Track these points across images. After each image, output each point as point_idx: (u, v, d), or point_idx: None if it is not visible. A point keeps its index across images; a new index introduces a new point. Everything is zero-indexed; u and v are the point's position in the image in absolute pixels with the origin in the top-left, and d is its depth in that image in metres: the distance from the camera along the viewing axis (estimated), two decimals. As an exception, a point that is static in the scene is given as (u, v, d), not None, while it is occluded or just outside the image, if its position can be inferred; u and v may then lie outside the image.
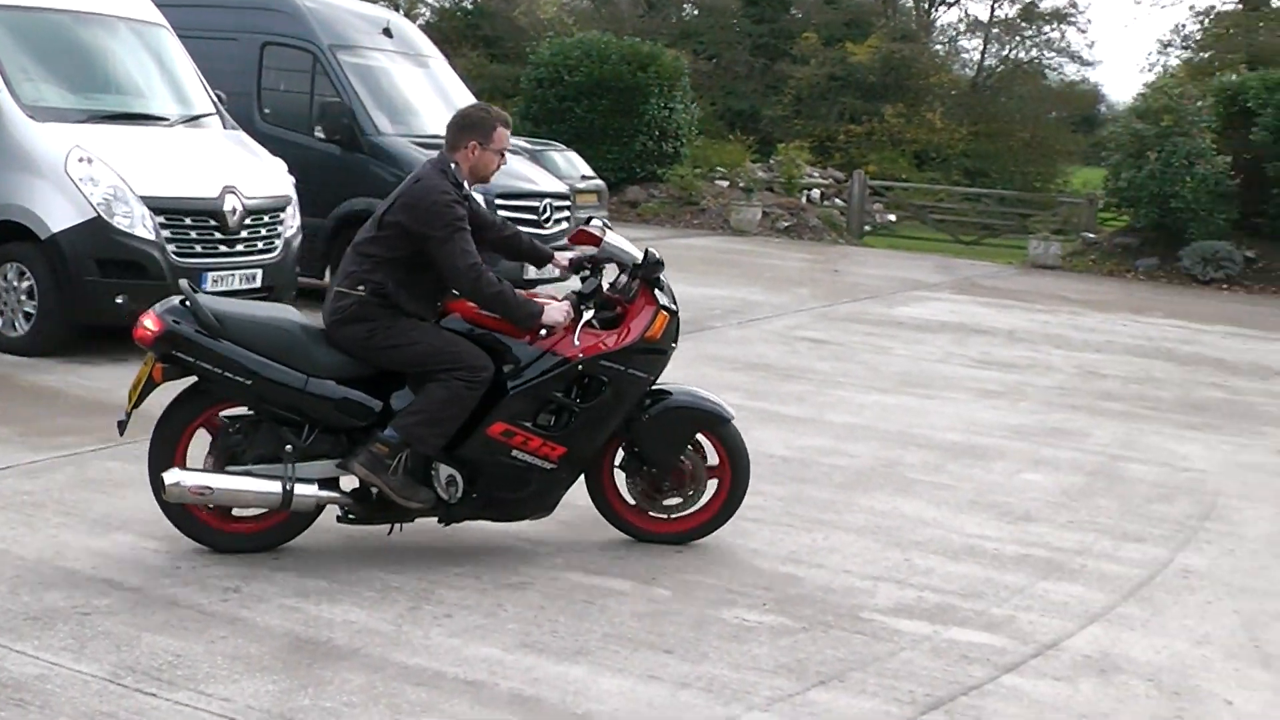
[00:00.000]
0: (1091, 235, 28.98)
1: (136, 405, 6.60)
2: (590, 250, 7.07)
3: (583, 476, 7.11)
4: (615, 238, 7.11)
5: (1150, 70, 52.18)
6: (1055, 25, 52.03)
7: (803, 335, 15.09)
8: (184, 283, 6.71)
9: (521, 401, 6.68)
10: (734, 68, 47.31)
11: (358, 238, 6.72)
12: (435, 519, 6.86)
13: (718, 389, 11.09)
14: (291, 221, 12.25)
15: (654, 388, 7.10)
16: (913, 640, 6.24)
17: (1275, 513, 9.11)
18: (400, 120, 15.10)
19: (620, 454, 7.21)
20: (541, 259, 7.29)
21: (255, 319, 6.58)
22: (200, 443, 6.71)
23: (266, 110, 14.97)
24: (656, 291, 7.04)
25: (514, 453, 6.69)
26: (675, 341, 7.13)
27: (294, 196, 12.36)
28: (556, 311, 6.70)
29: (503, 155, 6.91)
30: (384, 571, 6.61)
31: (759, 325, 15.60)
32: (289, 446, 6.51)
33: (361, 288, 6.53)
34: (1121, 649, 6.36)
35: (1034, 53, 52.73)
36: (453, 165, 6.74)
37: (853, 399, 11.71)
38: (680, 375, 11.63)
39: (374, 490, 6.59)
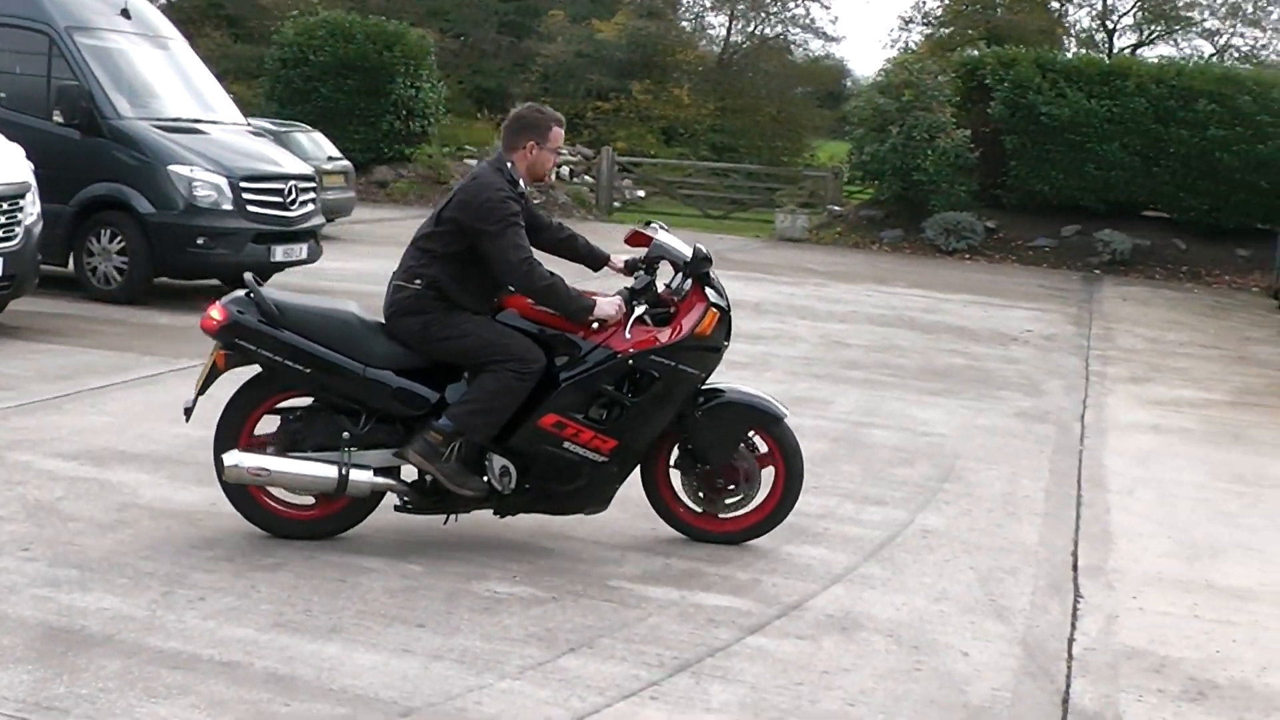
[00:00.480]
0: (837, 208, 29.69)
1: (202, 391, 6.86)
2: (643, 251, 7.24)
3: (639, 474, 7.26)
4: (667, 236, 7.28)
5: (893, 46, 53.43)
6: (799, 2, 53.06)
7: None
8: (248, 276, 6.97)
9: (573, 394, 6.82)
10: (481, 46, 47.17)
11: (417, 233, 6.94)
12: (490, 511, 7.03)
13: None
14: (31, 209, 11.94)
15: (707, 386, 7.22)
16: (660, 606, 6.43)
17: (1010, 473, 9.54)
18: (141, 103, 14.82)
19: (675, 452, 7.33)
20: (598, 261, 7.47)
21: (316, 310, 6.91)
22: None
23: (2, 94, 14.56)
24: (707, 289, 7.16)
25: (565, 444, 6.84)
26: (727, 339, 7.29)
27: (33, 183, 12.05)
28: (609, 305, 6.89)
29: (557, 153, 7.16)
30: (136, 558, 6.58)
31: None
32: (346, 434, 6.72)
33: (418, 281, 6.76)
34: (863, 607, 6.63)
35: (779, 29, 53.58)
36: (509, 164, 6.93)
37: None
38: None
39: (429, 479, 6.78)
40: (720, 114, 45.42)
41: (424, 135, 31.14)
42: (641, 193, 35.31)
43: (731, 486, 7.34)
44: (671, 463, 7.37)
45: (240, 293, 6.84)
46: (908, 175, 26.51)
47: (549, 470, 6.89)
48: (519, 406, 6.76)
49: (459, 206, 6.78)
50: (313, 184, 15.62)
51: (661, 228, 7.38)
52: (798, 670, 5.79)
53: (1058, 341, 16.34)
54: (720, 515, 7.43)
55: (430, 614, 6.12)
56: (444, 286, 6.76)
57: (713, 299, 7.15)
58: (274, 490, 6.94)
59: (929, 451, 9.93)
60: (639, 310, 6.96)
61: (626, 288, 7.16)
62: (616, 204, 32.37)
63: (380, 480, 6.79)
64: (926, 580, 7.12)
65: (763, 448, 7.39)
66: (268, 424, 6.97)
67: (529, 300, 6.90)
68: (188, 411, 6.92)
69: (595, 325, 6.87)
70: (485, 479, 6.83)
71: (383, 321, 6.91)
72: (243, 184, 14.16)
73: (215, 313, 6.72)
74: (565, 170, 33.77)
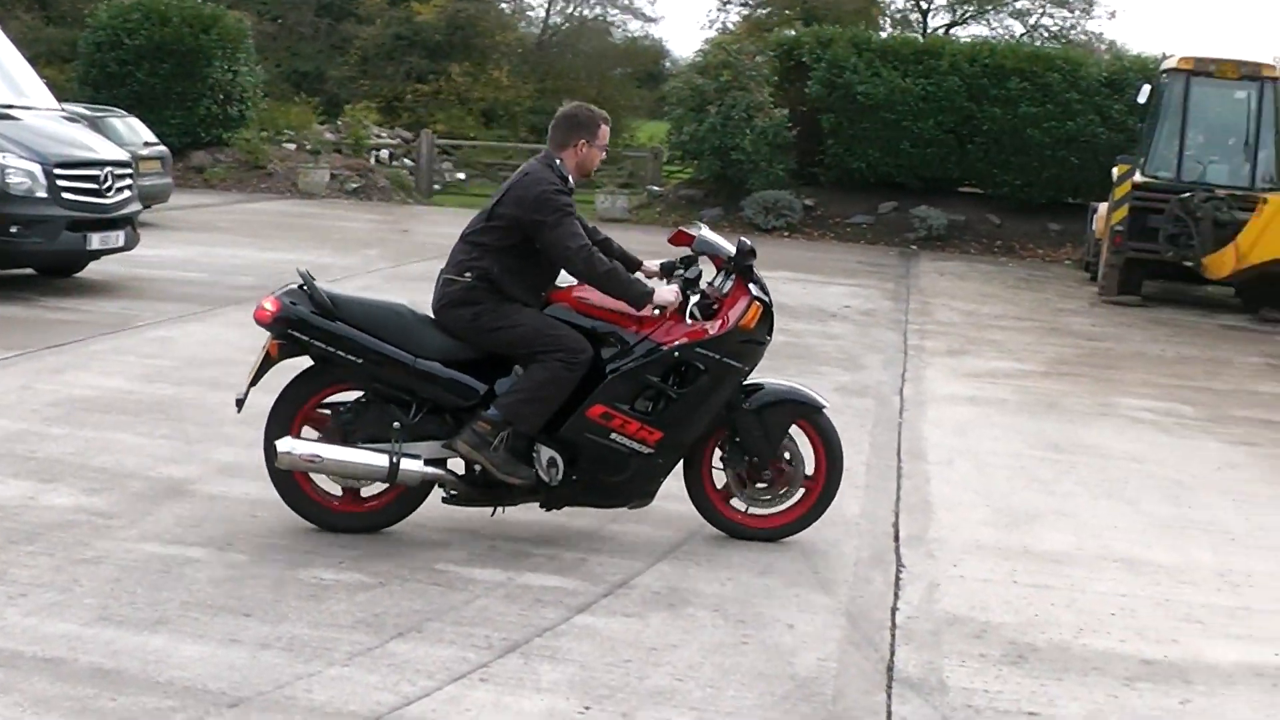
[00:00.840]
0: (657, 188, 29.84)
1: (254, 383, 7.00)
2: (685, 251, 7.32)
3: (682, 476, 7.36)
4: (708, 233, 7.35)
5: (711, 27, 53.92)
6: (618, -17, 53.12)
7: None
8: (302, 269, 7.10)
9: (620, 385, 6.95)
10: (298, 28, 46.62)
11: (467, 229, 7.12)
12: (537, 504, 7.13)
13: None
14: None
15: (747, 382, 7.30)
16: (487, 588, 6.44)
17: (831, 448, 9.67)
18: (-51, 90, 14.43)
19: (718, 450, 7.40)
20: (632, 266, 7.45)
21: (367, 302, 7.13)
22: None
23: None
24: (750, 284, 7.24)
25: (612, 435, 6.95)
26: (770, 333, 7.35)
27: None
28: (667, 292, 7.04)
29: (604, 150, 7.32)
30: (-54, 553, 6.44)
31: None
32: (396, 424, 6.86)
33: (469, 274, 6.92)
34: (689, 584, 6.70)
35: (598, 10, 53.72)
36: (558, 161, 7.12)
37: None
38: (249, 341, 11.55)
39: (478, 469, 6.89)
40: (540, 95, 45.40)
41: (242, 120, 30.63)
42: (462, 175, 35.19)
43: (778, 480, 7.43)
44: (717, 459, 7.44)
45: (293, 284, 7.00)
46: (726, 155, 26.71)
47: (596, 461, 7.01)
48: (567, 398, 6.91)
49: (514, 202, 6.95)
50: (129, 170, 15.32)
51: (703, 226, 7.49)
52: (626, 647, 5.84)
53: (876, 317, 16.62)
54: (764, 511, 7.51)
55: (257, 603, 6.07)
56: (496, 279, 6.92)
57: (755, 293, 7.25)
58: (323, 483, 7.07)
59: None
60: (694, 299, 7.09)
61: (681, 277, 7.29)
62: (437, 187, 32.23)
63: (430, 470, 6.91)
64: (751, 555, 7.21)
65: (804, 440, 7.49)
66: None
67: (574, 297, 7.09)
68: (240, 402, 7.04)
69: (653, 314, 7.02)
70: (534, 470, 6.94)
71: (430, 315, 7.08)
72: (57, 171, 13.84)
73: (268, 304, 6.85)
74: (385, 154, 33.52)
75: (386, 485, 7.01)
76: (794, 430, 7.44)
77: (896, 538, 7.77)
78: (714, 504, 7.48)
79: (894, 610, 6.61)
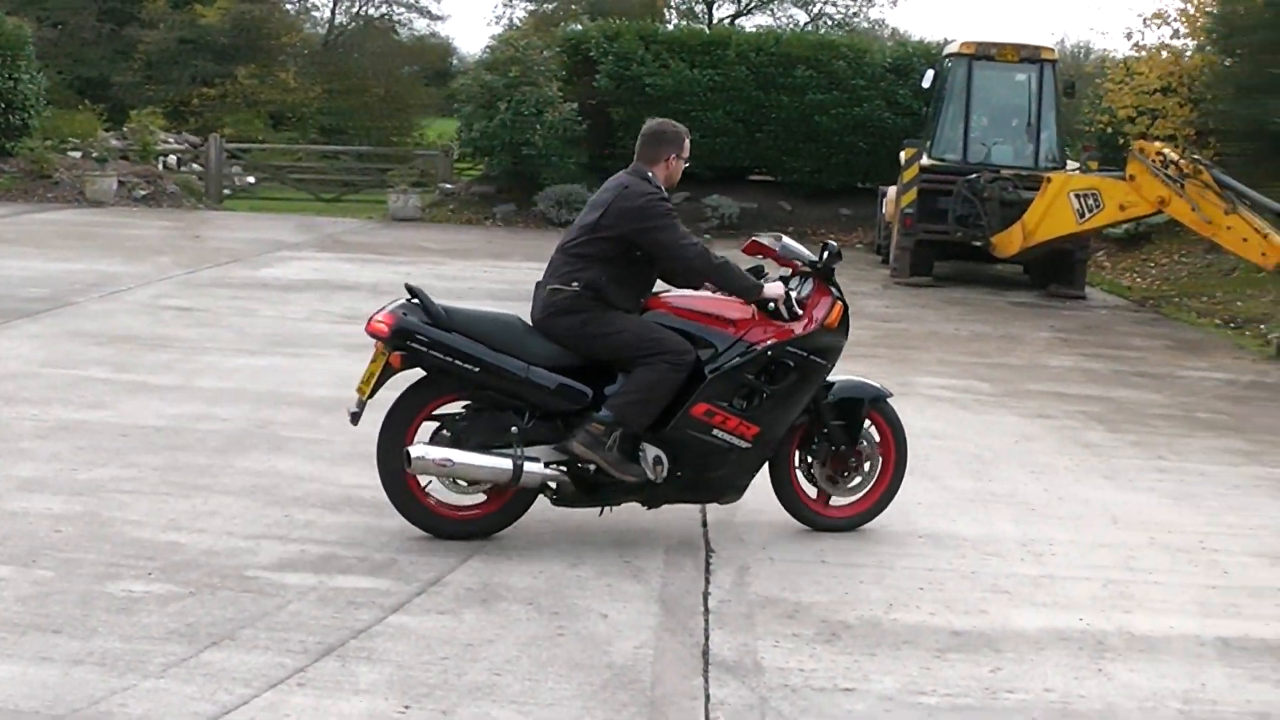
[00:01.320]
0: (449, 186, 29.69)
1: (371, 395, 7.22)
2: (758, 260, 7.75)
3: (769, 472, 7.67)
4: (790, 241, 7.77)
5: (498, 23, 53.89)
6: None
7: (167, 304, 14.82)
8: (411, 284, 7.33)
9: (720, 384, 7.28)
10: (81, 34, 45.31)
11: (566, 241, 7.40)
12: (639, 503, 7.41)
13: (83, 365, 10.92)
14: None
15: None
16: (299, 592, 6.37)
17: (636, 438, 9.73)
18: None
19: (798, 447, 7.77)
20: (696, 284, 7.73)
21: (479, 313, 7.42)
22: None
23: None
24: (831, 286, 7.67)
25: (714, 431, 7.29)
26: (847, 333, 7.73)
27: None
28: (776, 287, 7.47)
29: (687, 163, 7.77)
30: None
31: (122, 297, 15.19)
32: (514, 429, 7.11)
33: (575, 284, 7.20)
34: (501, 578, 6.69)
35: (384, 8, 53.32)
36: (650, 175, 7.46)
37: (222, 363, 11.65)
38: (43, 354, 11.30)
39: (592, 468, 7.12)
40: (328, 96, 44.86)
41: (25, 128, 29.66)
42: (252, 179, 34.65)
43: (858, 469, 7.85)
44: (799, 455, 7.80)
45: (404, 298, 7.25)
46: (518, 150, 26.67)
47: (698, 458, 7.30)
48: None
49: (619, 215, 7.26)
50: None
51: (783, 236, 7.90)
52: (442, 645, 5.82)
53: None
54: (845, 500, 7.92)
55: (66, 619, 5.92)
56: (601, 288, 7.20)
57: (836, 294, 7.68)
58: (438, 492, 7.33)
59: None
60: (794, 293, 7.54)
61: (780, 276, 7.65)
62: (227, 191, 31.71)
63: (549, 472, 7.17)
64: (562, 547, 7.23)
65: (873, 430, 7.90)
66: None
67: (668, 302, 7.47)
68: (355, 416, 7.29)
69: (772, 306, 7.44)
70: (642, 468, 7.21)
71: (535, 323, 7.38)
72: None
73: (382, 319, 7.11)
74: (173, 159, 32.83)
75: (492, 492, 7.27)
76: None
77: (705, 524, 7.84)
78: (800, 498, 7.86)
79: (706, 595, 6.67)
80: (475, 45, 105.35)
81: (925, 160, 20.92)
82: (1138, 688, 5.87)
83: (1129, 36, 46.60)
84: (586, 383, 7.22)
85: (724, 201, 27.15)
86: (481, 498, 7.33)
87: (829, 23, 54.72)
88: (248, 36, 44.40)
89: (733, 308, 7.46)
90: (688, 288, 7.65)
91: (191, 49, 43.45)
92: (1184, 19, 27.35)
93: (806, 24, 53.41)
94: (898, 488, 7.97)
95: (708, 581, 6.87)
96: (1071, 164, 21.40)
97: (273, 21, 46.48)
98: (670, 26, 37.65)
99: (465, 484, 7.26)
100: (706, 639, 6.10)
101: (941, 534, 7.91)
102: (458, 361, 7.07)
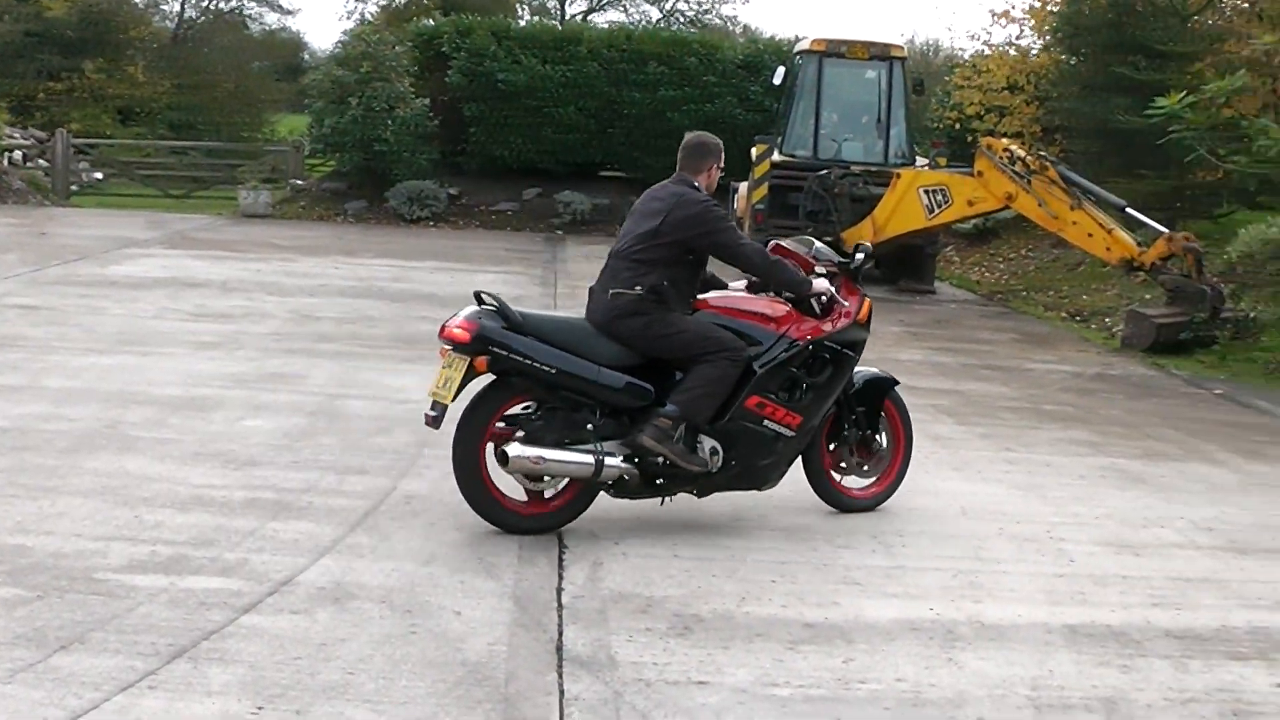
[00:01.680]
0: (300, 182, 29.44)
1: (455, 397, 7.40)
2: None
3: (802, 460, 8.28)
4: (821, 245, 8.54)
5: (349, 18, 53.43)
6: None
7: (13, 303, 14.54)
8: (485, 293, 7.60)
9: (769, 377, 7.85)
10: (-87, 30, 44.25)
11: (624, 249, 7.85)
12: (691, 492, 7.88)
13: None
14: None
15: None
16: (149, 594, 6.28)
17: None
18: None
19: (827, 435, 8.41)
20: (720, 285, 8.38)
21: (548, 317, 7.82)
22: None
23: None
24: (858, 284, 8.41)
25: (765, 422, 7.85)
26: (869, 327, 8.42)
27: None
28: (822, 282, 8.12)
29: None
30: None
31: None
32: (590, 426, 7.54)
33: (638, 288, 7.65)
34: (354, 577, 6.67)
35: (234, 3, 52.67)
36: (695, 183, 7.97)
37: (70, 362, 11.46)
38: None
39: (660, 461, 7.54)
40: (177, 91, 44.14)
41: None
42: (99, 175, 34.05)
43: (878, 453, 8.57)
44: (836, 437, 8.47)
45: (479, 306, 7.55)
46: (369, 146, 26.52)
47: (750, 447, 7.84)
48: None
49: (679, 222, 7.75)
50: None
51: (815, 241, 8.63)
52: (295, 645, 5.79)
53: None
54: (865, 482, 8.60)
55: (-96, 626, 5.82)
56: (662, 291, 7.67)
57: (863, 291, 8.45)
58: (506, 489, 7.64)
59: (407, 419, 9.99)
60: (831, 291, 8.17)
61: (821, 275, 8.22)
62: (74, 187, 31.16)
63: (625, 465, 7.54)
64: (414, 545, 7.22)
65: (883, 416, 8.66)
66: None
67: (716, 304, 8.02)
68: (437, 420, 7.45)
69: (825, 298, 8.12)
70: (704, 458, 7.69)
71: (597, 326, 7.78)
72: None
73: (459, 326, 7.36)
74: (18, 155, 32.16)
75: (564, 485, 7.65)
76: None
77: (559, 519, 7.88)
78: (831, 482, 8.48)
79: (559, 590, 6.69)
80: (327, 40, 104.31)
81: (776, 156, 21.09)
82: (987, 676, 5.99)
83: (974, 36, 47.27)
84: (648, 380, 7.65)
85: (576, 198, 27.20)
86: (550, 494, 7.67)
87: (681, 19, 54.98)
88: (95, 30, 43.54)
89: (772, 306, 8.06)
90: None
91: (37, 42, 42.52)
92: (1031, 16, 27.88)
93: (659, 20, 53.63)
94: (906, 469, 8.68)
95: (561, 577, 6.89)
96: (921, 160, 21.68)
97: (121, 15, 45.62)
98: (523, 22, 37.58)
99: (547, 480, 7.60)
100: (560, 635, 6.11)
101: (793, 527, 8.01)
102: (536, 364, 7.41)
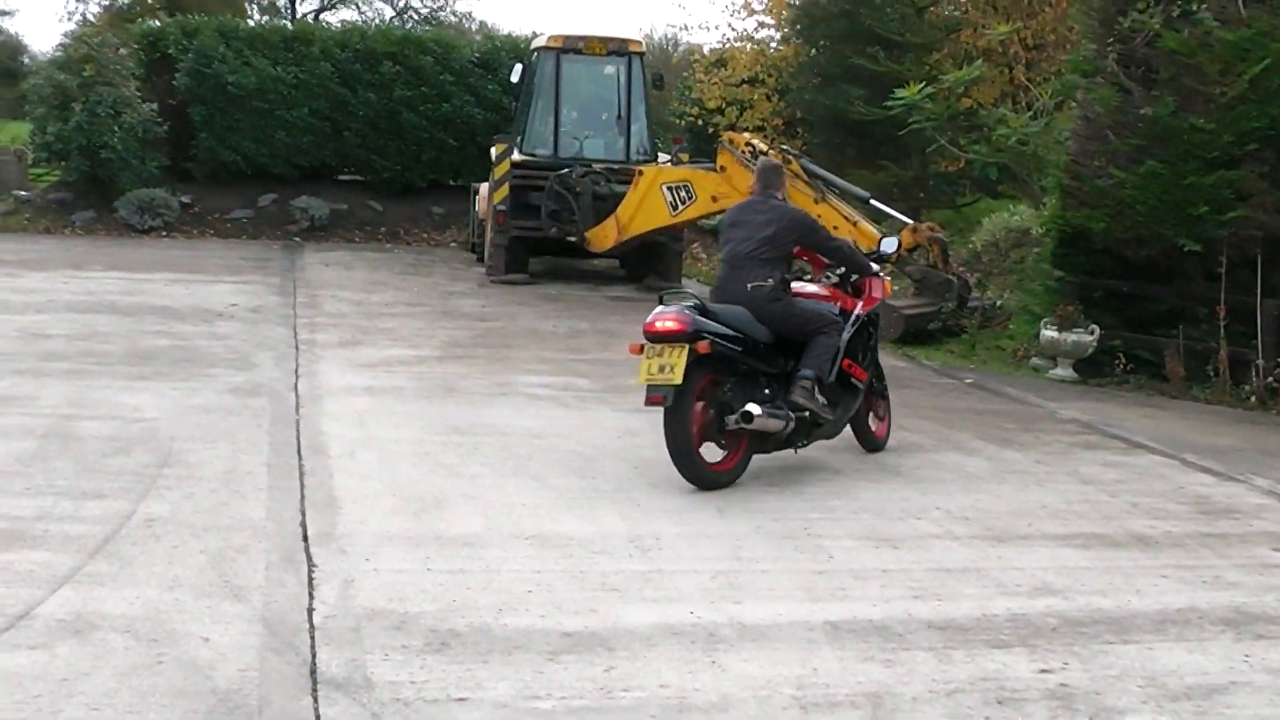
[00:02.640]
0: (24, 193, 28.46)
1: (682, 379, 8.89)
2: (804, 261, 10.78)
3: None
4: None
5: (70, 19, 51.85)
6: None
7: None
8: (669, 291, 9.70)
9: (852, 343, 10.22)
10: None
11: (749, 251, 9.81)
12: (798, 443, 9.86)
13: None
14: None
15: None
16: None
17: (231, 450, 9.56)
18: None
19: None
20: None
21: (722, 309, 9.51)
22: None
23: None
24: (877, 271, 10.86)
25: (852, 379, 10.24)
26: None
27: None
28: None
29: None
30: None
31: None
32: (767, 390, 9.51)
33: (770, 280, 9.72)
34: (95, 606, 6.47)
35: (-59, 4, 50.93)
36: (779, 196, 10.25)
37: None
38: None
39: (806, 414, 9.63)
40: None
41: None
42: None
43: (886, 402, 11.12)
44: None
45: (678, 302, 9.27)
46: (95, 154, 25.77)
47: (845, 400, 10.18)
48: None
49: (791, 228, 9.95)
50: None
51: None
52: (34, 682, 5.58)
53: (264, 313, 16.46)
54: (878, 424, 11.01)
55: None
56: (783, 282, 9.88)
57: (883, 275, 10.95)
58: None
59: (144, 438, 9.77)
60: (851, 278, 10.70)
61: (834, 274, 10.67)
62: None
63: (793, 419, 9.56)
64: (157, 570, 7.03)
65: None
66: None
67: (800, 289, 10.26)
68: (669, 397, 8.95)
69: (852, 282, 10.62)
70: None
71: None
72: None
73: (671, 320, 8.99)
74: None
75: (737, 444, 9.42)
76: None
77: (305, 537, 7.74)
78: (869, 428, 10.84)
79: (310, 611, 6.59)
80: (47, 43, 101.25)
81: (516, 156, 21.05)
82: (752, 677, 6.05)
83: (714, 28, 47.86)
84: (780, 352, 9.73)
85: (313, 203, 26.82)
86: (724, 453, 9.41)
87: (415, 17, 54.66)
88: None
89: (827, 290, 10.45)
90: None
91: None
92: (769, 10, 28.34)
93: (393, 19, 53.24)
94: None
95: (312, 596, 6.78)
96: (663, 156, 21.86)
97: None
98: (251, 23, 36.95)
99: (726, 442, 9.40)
100: (314, 657, 6.02)
101: (548, 534, 8.00)
102: (730, 344, 9.22)
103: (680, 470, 9.09)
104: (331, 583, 7.00)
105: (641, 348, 9.07)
